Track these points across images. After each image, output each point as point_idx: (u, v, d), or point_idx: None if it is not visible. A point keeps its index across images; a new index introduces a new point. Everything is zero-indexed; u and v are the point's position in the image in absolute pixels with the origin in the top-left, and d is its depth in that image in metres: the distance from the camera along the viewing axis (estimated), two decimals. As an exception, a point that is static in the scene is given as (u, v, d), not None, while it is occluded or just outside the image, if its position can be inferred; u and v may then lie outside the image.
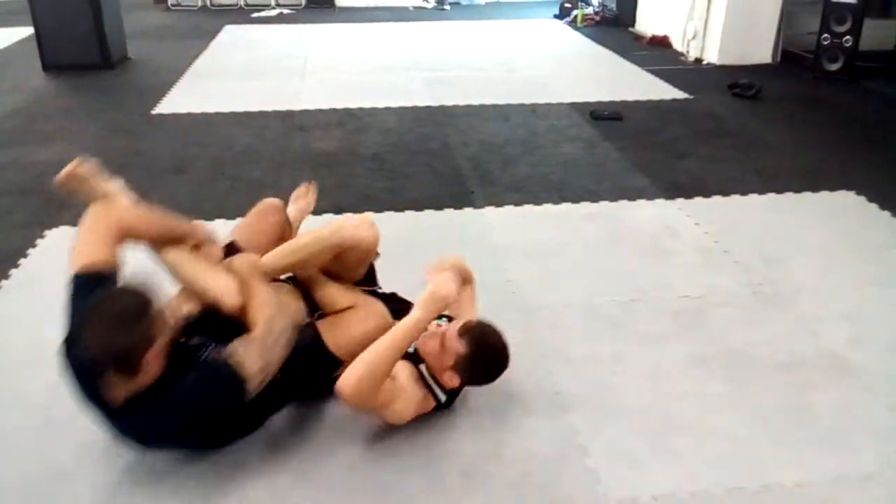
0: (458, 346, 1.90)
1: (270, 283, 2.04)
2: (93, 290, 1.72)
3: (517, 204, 3.57)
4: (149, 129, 4.67)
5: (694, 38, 6.63)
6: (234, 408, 1.76)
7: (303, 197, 2.72)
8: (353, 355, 1.89)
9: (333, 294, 2.11)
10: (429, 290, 1.87)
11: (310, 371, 2.01)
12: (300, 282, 2.17)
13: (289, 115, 4.95)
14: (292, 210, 2.62)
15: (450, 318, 2.15)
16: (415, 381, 1.96)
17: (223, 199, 3.61)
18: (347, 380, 1.77)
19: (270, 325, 1.82)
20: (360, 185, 3.83)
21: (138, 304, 1.67)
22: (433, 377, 1.98)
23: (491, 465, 1.95)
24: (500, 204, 3.57)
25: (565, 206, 3.55)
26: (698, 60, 6.58)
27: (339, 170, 4.03)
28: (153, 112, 4.97)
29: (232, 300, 1.88)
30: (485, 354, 1.94)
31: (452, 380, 1.94)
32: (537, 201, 3.60)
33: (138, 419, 1.70)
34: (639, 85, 5.81)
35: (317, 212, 3.47)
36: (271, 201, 2.38)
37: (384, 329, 1.96)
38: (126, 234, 1.91)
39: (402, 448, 1.97)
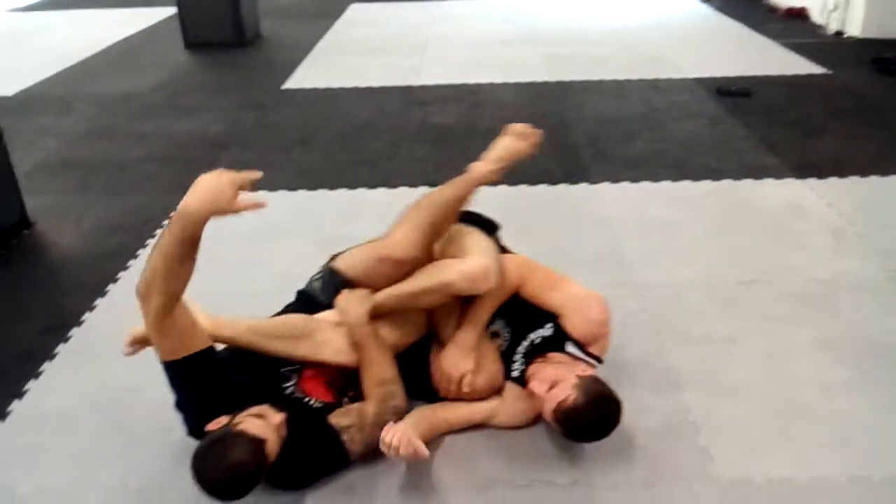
0: (552, 421, 1.83)
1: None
2: (191, 371, 1.73)
3: (634, 180, 3.50)
4: (279, 102, 4.91)
5: (835, 9, 6.18)
6: (335, 469, 1.83)
7: (518, 137, 2.17)
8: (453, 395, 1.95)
9: (452, 327, 2.01)
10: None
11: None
12: None
13: (408, 90, 5.06)
14: (501, 146, 2.17)
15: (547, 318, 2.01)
16: (524, 401, 1.94)
17: (345, 169, 3.76)
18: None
19: (385, 405, 1.84)
20: (476, 159, 3.86)
21: (253, 470, 1.57)
22: None
23: (600, 434, 1.96)
24: (616, 180, 3.51)
25: (685, 184, 3.45)
26: (839, 33, 6.13)
27: (456, 143, 4.09)
28: (283, 87, 5.22)
29: (347, 359, 1.90)
30: (577, 432, 1.84)
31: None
32: (655, 178, 3.51)
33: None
34: (770, 59, 5.50)
35: (433, 183, 3.58)
36: (394, 256, 1.93)
37: (491, 387, 1.97)
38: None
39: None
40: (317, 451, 1.78)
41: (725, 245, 2.88)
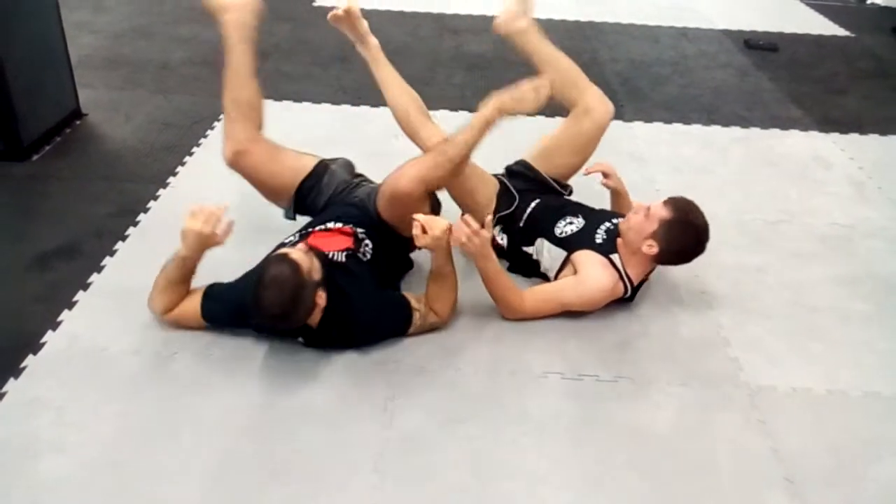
0: (663, 212, 2.07)
1: None
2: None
3: (666, 122, 3.64)
4: (311, 18, 4.93)
5: (862, -27, 6.25)
6: (395, 334, 2.06)
7: (532, 89, 2.27)
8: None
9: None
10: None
11: None
12: None
13: (440, 17, 5.10)
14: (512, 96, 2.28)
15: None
16: (603, 268, 2.14)
17: (386, 88, 3.84)
18: None
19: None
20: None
21: (293, 279, 1.78)
22: (624, 268, 2.16)
23: (641, 340, 2.16)
24: (649, 120, 3.65)
25: (715, 129, 3.60)
26: (862, 0, 6.23)
27: (490, 73, 4.18)
28: (315, 4, 5.23)
29: None
30: (686, 221, 2.09)
31: (651, 249, 2.09)
32: (686, 121, 3.66)
33: (332, 336, 1.99)
34: (796, 17, 5.60)
35: (472, 110, 3.68)
36: (399, 187, 2.07)
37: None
38: None
39: (564, 322, 2.21)
40: (390, 309, 2.02)
41: (753, 187, 3.06)
